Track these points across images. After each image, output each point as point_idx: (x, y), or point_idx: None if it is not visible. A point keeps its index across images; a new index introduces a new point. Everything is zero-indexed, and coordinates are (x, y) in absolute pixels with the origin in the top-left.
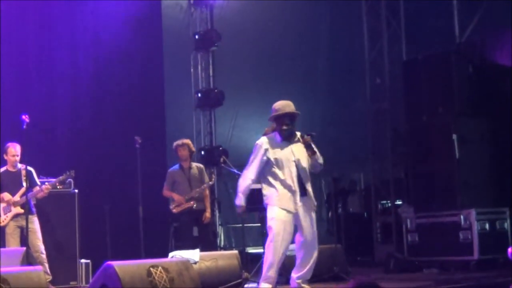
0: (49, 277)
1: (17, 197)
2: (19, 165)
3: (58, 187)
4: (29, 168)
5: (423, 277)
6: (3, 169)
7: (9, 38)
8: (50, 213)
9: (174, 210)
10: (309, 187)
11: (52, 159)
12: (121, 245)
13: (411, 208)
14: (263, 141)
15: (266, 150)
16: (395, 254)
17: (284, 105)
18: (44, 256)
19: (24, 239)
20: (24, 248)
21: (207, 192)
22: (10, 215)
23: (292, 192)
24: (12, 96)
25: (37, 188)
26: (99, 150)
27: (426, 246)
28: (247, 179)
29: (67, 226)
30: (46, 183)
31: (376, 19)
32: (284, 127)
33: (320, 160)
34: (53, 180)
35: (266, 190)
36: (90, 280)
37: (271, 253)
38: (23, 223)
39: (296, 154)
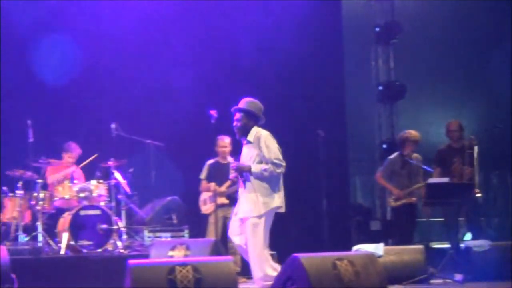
0: (238, 269)
1: (223, 188)
2: (229, 158)
3: None
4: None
5: None
6: (213, 160)
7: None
8: None
9: (392, 204)
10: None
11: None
12: (305, 238)
13: None
14: None
15: None
16: None
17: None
18: None
19: (226, 230)
20: (213, 239)
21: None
22: (214, 204)
23: None
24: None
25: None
26: (282, 145)
27: None
28: None
29: None
30: None
31: None
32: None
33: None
34: None
35: None
36: None
37: None
38: (227, 213)
39: (242, 157)
